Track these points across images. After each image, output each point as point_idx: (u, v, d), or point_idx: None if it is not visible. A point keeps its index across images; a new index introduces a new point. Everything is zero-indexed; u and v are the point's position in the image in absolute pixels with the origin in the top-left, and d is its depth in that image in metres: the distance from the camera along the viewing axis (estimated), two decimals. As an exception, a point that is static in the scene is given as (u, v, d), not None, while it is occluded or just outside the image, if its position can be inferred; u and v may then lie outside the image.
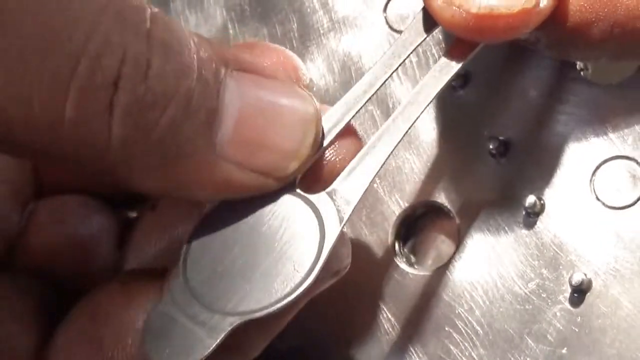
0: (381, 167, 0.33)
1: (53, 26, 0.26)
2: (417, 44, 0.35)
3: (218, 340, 0.30)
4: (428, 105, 0.34)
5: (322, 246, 0.31)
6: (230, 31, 0.44)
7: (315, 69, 0.41)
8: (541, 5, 0.32)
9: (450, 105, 0.38)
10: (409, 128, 0.33)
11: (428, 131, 0.38)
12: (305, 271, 0.31)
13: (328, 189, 0.33)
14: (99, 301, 0.34)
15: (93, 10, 0.27)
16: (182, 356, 0.30)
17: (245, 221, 0.32)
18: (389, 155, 0.33)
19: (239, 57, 0.30)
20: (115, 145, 0.27)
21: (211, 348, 0.30)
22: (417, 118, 0.33)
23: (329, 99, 0.40)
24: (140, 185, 0.30)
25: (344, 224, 0.32)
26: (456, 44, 0.34)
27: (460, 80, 0.38)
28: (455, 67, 0.34)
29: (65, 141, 0.27)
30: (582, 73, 0.37)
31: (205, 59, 0.29)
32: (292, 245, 0.31)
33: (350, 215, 0.32)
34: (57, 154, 0.28)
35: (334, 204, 0.32)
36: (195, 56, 0.28)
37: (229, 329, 0.30)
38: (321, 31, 0.42)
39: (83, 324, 0.33)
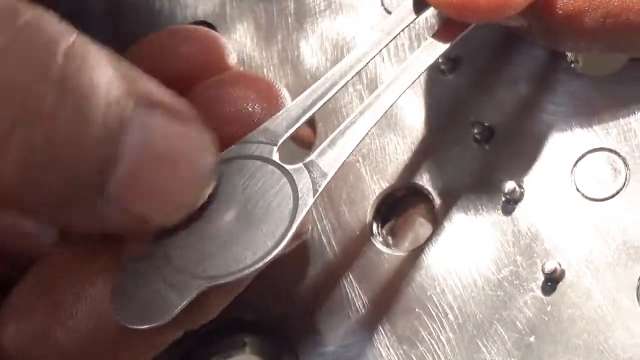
0: (359, 142, 0.33)
1: None
2: (407, 23, 0.35)
3: (185, 302, 0.30)
4: (412, 84, 0.34)
5: (294, 217, 0.31)
6: (227, 10, 0.44)
7: (308, 47, 0.41)
8: None
9: (438, 89, 0.38)
10: (391, 105, 0.33)
11: (414, 113, 0.38)
12: (275, 240, 0.31)
13: (306, 160, 0.33)
14: (54, 263, 0.33)
15: None
16: (148, 317, 0.30)
17: (222, 189, 0.32)
18: (368, 131, 0.33)
19: (151, 91, 0.29)
20: (6, 186, 0.27)
21: (177, 310, 0.30)
22: (399, 96, 0.33)
23: (319, 77, 0.40)
24: (37, 219, 0.30)
25: (317, 196, 0.32)
26: (445, 25, 0.34)
27: (450, 64, 0.38)
28: (442, 47, 0.34)
29: None
30: (572, 65, 0.37)
31: (113, 100, 0.28)
32: (265, 215, 0.31)
33: (324, 187, 0.32)
34: None
35: (310, 176, 0.32)
36: (104, 98, 0.27)
37: (196, 292, 0.30)
38: (317, 10, 0.42)
39: (39, 284, 0.33)
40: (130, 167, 0.28)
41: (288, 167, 0.32)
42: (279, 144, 0.33)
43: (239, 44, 0.43)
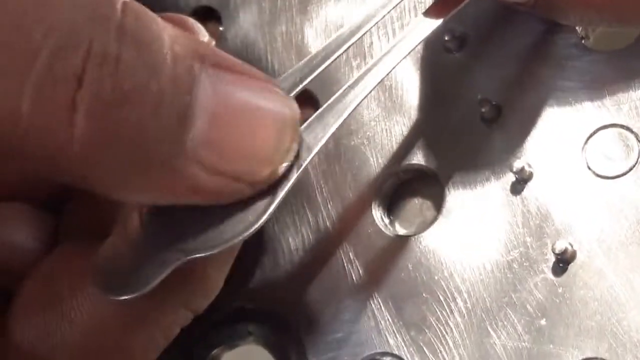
0: (347, 115, 0.32)
1: (14, 15, 0.25)
2: None
3: (164, 274, 0.29)
4: (404, 57, 0.33)
5: (276, 191, 0.30)
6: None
7: (312, 30, 0.40)
8: None
9: (444, 68, 0.37)
10: (380, 81, 0.32)
11: (419, 94, 0.37)
12: (256, 214, 0.30)
13: None
14: (58, 259, 0.33)
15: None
16: (128, 287, 0.29)
17: None
18: (356, 106, 0.32)
19: (216, 53, 0.29)
20: (77, 146, 0.26)
21: (156, 281, 0.29)
22: (390, 70, 0.33)
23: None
24: (104, 190, 0.28)
25: (301, 171, 0.31)
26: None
27: (456, 42, 0.37)
28: (435, 22, 0.33)
29: (23, 139, 0.25)
30: (582, 41, 0.36)
31: (179, 53, 0.27)
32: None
33: (309, 161, 0.31)
34: (16, 151, 0.26)
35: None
36: (168, 51, 0.27)
37: (174, 264, 0.29)
38: (321, -6, 0.41)
39: (38, 286, 0.33)
40: (208, 124, 0.27)
41: None
42: None
43: (243, 29, 0.42)
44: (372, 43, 0.39)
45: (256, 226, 0.29)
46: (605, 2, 0.33)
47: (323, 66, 0.32)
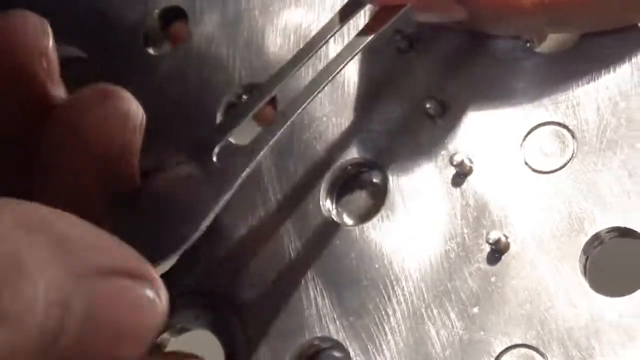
0: (287, 123, 0.34)
1: None
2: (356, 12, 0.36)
3: None
4: (345, 64, 0.35)
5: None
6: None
7: (272, 31, 0.42)
8: None
9: (394, 66, 0.39)
10: (321, 88, 0.35)
11: (369, 90, 0.39)
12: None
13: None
14: None
15: None
16: None
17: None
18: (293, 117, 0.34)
19: (93, 260, 0.28)
20: None
21: None
22: (327, 81, 0.35)
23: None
24: None
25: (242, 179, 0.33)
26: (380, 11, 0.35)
27: (406, 42, 0.38)
28: (368, 38, 0.35)
29: None
30: (527, 44, 0.37)
31: (51, 281, 0.26)
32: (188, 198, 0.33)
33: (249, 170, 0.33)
34: None
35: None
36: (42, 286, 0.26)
37: None
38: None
39: None
40: (75, 337, 0.27)
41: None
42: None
43: (209, 28, 0.43)
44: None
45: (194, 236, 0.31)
46: (537, 7, 0.34)
47: (286, 76, 0.35)
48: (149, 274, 0.29)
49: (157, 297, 0.29)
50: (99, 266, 0.28)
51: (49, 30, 0.33)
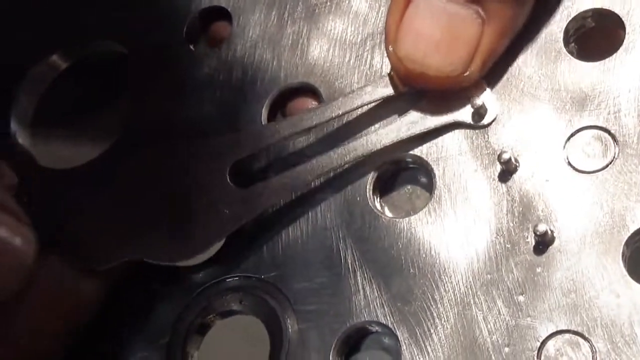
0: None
1: None
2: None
3: None
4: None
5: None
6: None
7: (316, 37, 0.44)
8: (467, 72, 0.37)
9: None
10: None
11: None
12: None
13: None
14: None
15: None
16: None
17: None
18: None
19: None
20: None
21: None
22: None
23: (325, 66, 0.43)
24: None
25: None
26: None
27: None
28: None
29: None
30: (567, 52, 0.39)
31: None
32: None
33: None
34: None
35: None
36: None
37: None
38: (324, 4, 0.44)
39: None
40: None
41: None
42: None
43: (252, 31, 0.45)
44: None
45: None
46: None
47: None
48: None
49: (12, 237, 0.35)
50: None
51: None
